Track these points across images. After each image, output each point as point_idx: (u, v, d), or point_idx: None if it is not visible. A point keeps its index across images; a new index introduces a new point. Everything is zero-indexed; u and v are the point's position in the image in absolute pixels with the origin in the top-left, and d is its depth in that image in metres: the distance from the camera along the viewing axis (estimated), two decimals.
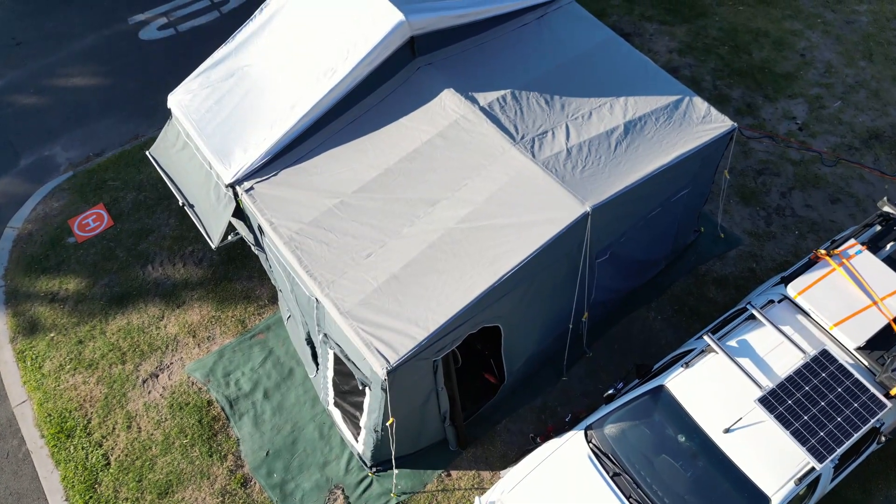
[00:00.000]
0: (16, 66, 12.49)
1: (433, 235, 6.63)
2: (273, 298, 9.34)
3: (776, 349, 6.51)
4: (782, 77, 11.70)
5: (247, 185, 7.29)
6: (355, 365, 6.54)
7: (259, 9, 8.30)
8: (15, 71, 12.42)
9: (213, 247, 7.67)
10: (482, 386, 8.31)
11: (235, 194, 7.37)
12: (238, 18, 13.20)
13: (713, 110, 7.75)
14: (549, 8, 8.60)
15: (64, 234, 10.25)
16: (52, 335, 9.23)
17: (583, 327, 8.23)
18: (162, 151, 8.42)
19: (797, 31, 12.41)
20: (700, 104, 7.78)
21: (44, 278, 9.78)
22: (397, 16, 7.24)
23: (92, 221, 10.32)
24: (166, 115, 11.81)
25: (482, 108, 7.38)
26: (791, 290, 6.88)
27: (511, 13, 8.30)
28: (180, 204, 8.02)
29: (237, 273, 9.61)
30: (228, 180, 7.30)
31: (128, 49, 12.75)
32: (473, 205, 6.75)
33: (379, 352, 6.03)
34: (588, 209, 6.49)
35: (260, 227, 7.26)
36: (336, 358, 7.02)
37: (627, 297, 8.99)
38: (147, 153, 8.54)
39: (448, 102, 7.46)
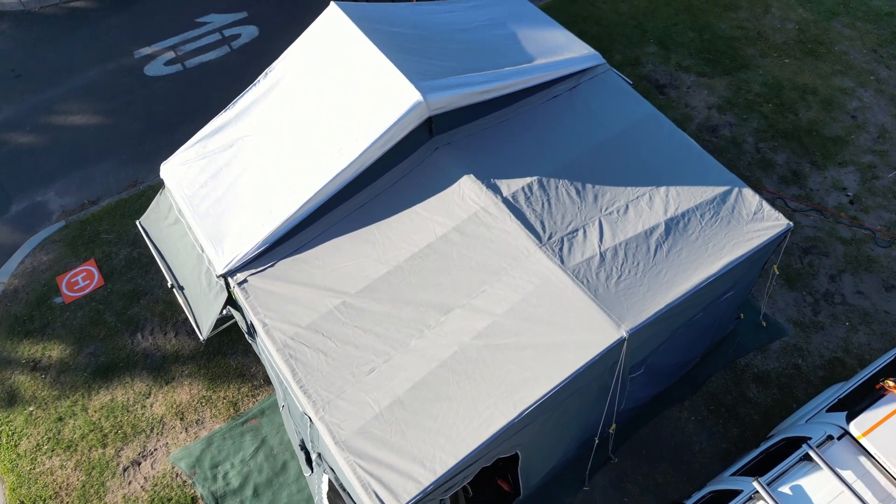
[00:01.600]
0: (14, 101, 11.86)
1: (445, 352, 5.83)
2: (268, 379, 8.59)
3: (837, 501, 5.65)
4: (831, 141, 10.77)
5: (240, 276, 6.53)
6: (350, 497, 5.75)
7: (264, 73, 7.56)
8: (13, 106, 11.79)
9: (201, 339, 6.92)
10: (494, 493, 7.49)
11: (227, 284, 6.63)
12: (248, 54, 12.51)
13: (765, 205, 6.88)
14: (582, 77, 7.78)
15: (51, 293, 9.57)
16: (31, 409, 8.54)
17: (609, 436, 7.39)
18: (153, 223, 7.70)
19: (848, 89, 11.47)
20: (751, 197, 6.92)
21: (27, 343, 9.10)
22: (414, 95, 6.46)
23: (81, 279, 9.64)
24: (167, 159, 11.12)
25: (505, 200, 6.57)
26: (855, 428, 6.00)
27: (539, 85, 7.49)
28: (169, 285, 7.28)
29: (232, 347, 8.86)
30: (220, 271, 6.55)
31: (131, 85, 12.09)
32: (492, 317, 5.94)
33: (377, 495, 5.24)
34: (625, 334, 5.66)
35: (253, 324, 6.51)
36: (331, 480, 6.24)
37: (658, 395, 8.13)
38: (137, 223, 7.82)
39: (467, 191, 6.66)
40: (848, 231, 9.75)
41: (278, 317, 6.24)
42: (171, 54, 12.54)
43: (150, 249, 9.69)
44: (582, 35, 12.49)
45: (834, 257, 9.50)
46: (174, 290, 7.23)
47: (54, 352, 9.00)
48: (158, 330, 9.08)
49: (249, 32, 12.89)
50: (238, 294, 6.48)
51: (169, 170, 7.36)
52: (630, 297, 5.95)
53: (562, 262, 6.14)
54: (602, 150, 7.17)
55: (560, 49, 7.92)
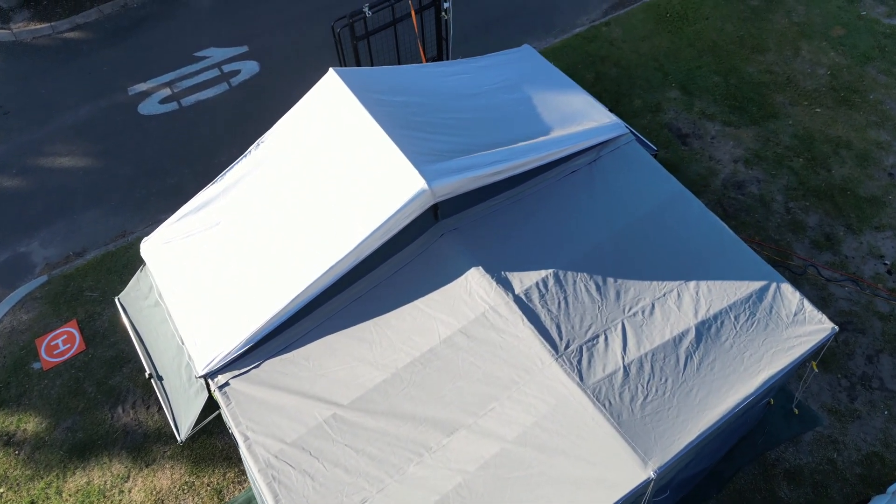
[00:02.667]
0: (1, 140, 11.29)
1: (446, 483, 5.17)
2: None
3: None
4: (867, 202, 10.04)
5: (221, 379, 5.88)
6: None
7: (256, 143, 6.93)
8: (0, 146, 11.25)
9: (179, 441, 6.29)
10: None
11: (208, 385, 5.99)
12: (248, 92, 11.90)
13: (807, 304, 6.18)
14: (602, 149, 7.10)
15: (30, 358, 8.97)
16: (1, 490, 7.94)
17: None
18: (132, 301, 7.07)
19: (884, 143, 10.73)
20: (791, 295, 6.22)
21: (1, 414, 8.49)
22: (419, 182, 5.80)
23: (62, 343, 9.03)
24: (157, 209, 10.53)
25: (517, 298, 5.90)
26: None
27: (557, 159, 6.81)
28: (147, 375, 6.65)
29: (218, 424, 8.21)
30: (200, 371, 5.91)
31: (124, 125, 11.50)
32: (501, 442, 5.26)
33: None
34: (652, 475, 4.97)
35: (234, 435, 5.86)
36: None
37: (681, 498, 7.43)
38: (116, 300, 7.19)
39: (475, 286, 5.99)
40: (886, 305, 9.02)
41: (262, 430, 5.59)
42: (166, 91, 11.94)
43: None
44: (600, 77, 11.82)
45: (871, 335, 8.78)
46: (152, 380, 6.60)
47: (30, 425, 8.39)
48: (140, 403, 8.45)
49: (250, 68, 12.28)
50: (219, 398, 5.83)
51: (149, 249, 6.73)
52: (658, 423, 5.27)
53: (581, 378, 5.47)
54: (625, 236, 6.49)
55: (579, 116, 7.24)
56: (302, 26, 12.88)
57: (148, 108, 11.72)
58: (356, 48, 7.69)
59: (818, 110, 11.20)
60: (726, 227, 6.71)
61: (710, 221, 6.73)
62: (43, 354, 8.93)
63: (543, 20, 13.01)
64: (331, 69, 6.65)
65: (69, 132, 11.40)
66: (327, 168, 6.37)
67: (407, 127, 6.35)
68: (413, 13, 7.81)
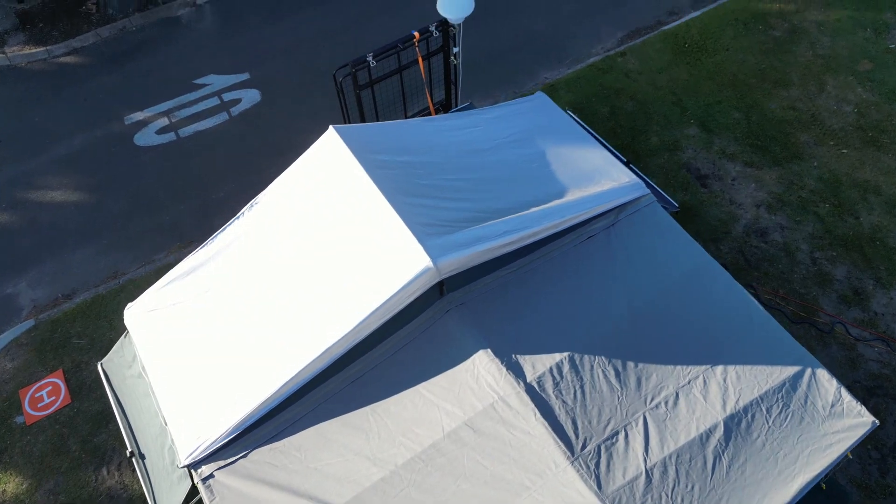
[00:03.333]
0: None
1: None
2: None
3: None
4: None
5: (206, 470, 5.42)
6: None
7: (249, 204, 6.46)
8: None
9: None
10: None
11: (192, 475, 5.52)
12: (249, 122, 11.44)
13: (844, 393, 5.67)
14: (621, 212, 6.60)
15: (13, 410, 8.53)
16: None
17: None
18: (116, 369, 6.62)
19: None
20: (827, 383, 5.71)
21: None
22: (423, 260, 5.32)
23: (46, 395, 8.59)
24: (152, 247, 10.09)
25: (529, 387, 5.41)
26: None
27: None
28: (128, 453, 6.19)
29: None
30: (183, 461, 5.44)
31: (119, 156, 11.06)
32: None
33: None
34: None
35: None
36: None
37: None
38: (99, 366, 6.74)
39: (483, 372, 5.50)
40: None
41: None
42: (164, 121, 11.50)
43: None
44: (615, 112, 11.30)
45: None
46: (133, 458, 6.14)
47: (10, 485, 7.95)
48: (126, 465, 7.99)
49: (251, 97, 11.83)
50: (202, 492, 5.37)
51: (133, 317, 6.28)
52: None
53: (599, 485, 4.97)
54: (646, 313, 5.99)
55: (596, 174, 6.75)
56: (305, 52, 12.43)
57: (144, 138, 11.28)
58: (359, 98, 7.22)
59: (844, 151, 10.66)
60: (755, 301, 6.20)
61: (739, 295, 6.22)
62: (27, 408, 8.49)
63: (556, 49, 12.51)
64: (331, 127, 6.17)
65: (62, 163, 10.97)
66: (325, 236, 5.90)
67: (411, 193, 5.87)
68: (420, 60, 7.34)
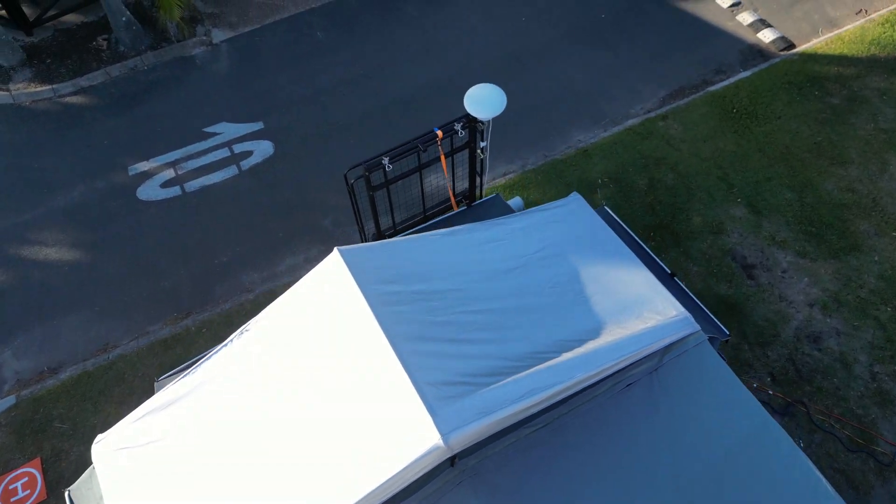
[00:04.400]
0: None
1: None
2: None
3: None
4: None
5: None
6: None
7: (240, 330, 5.67)
8: None
9: None
10: None
11: None
12: (259, 179, 10.71)
13: None
14: (666, 353, 5.71)
15: None
16: None
17: None
18: (83, 500, 5.86)
19: None
20: None
21: None
22: (432, 436, 4.48)
23: (21, 488, 7.90)
24: (146, 317, 9.38)
25: None
26: None
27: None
28: None
29: None
30: None
31: (120, 211, 10.38)
32: None
33: None
34: None
35: None
36: None
37: None
38: (66, 494, 6.00)
39: None
40: None
41: None
42: (169, 173, 10.80)
43: None
44: (654, 185, 10.38)
45: None
46: None
47: None
48: None
49: (263, 150, 11.09)
50: None
51: (102, 454, 5.52)
52: None
53: None
54: (696, 488, 5.09)
55: (638, 305, 5.86)
56: (324, 101, 11.67)
57: (147, 192, 10.59)
58: (373, 199, 6.43)
59: None
60: (822, 478, 5.27)
61: (802, 467, 5.29)
62: None
63: (591, 107, 11.62)
64: (336, 250, 5.36)
65: (59, 216, 10.32)
66: (324, 382, 5.09)
67: (424, 337, 5.04)
68: (443, 157, 6.52)
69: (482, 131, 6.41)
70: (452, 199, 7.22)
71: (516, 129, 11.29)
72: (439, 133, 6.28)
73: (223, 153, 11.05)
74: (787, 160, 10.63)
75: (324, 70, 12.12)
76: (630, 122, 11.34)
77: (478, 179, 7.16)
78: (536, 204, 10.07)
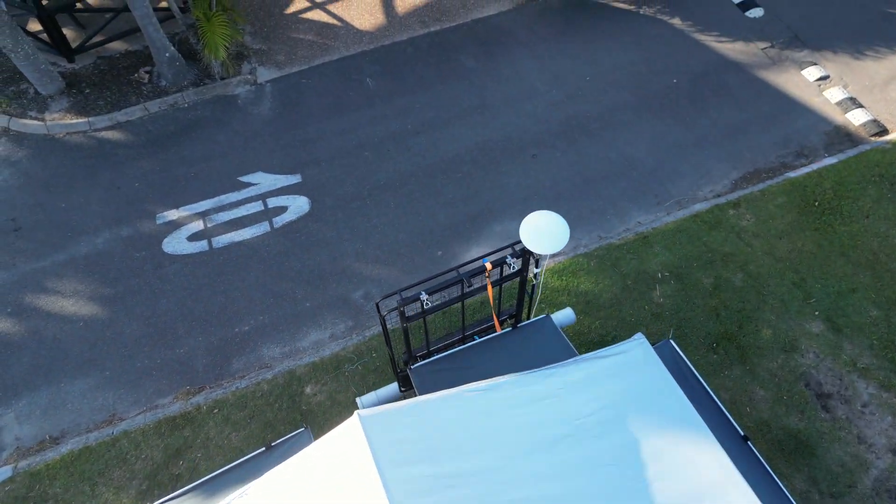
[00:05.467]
0: (3, 266, 9.77)
1: None
2: None
3: None
4: None
5: None
6: None
7: (240, 492, 4.90)
8: (0, 273, 9.72)
9: None
10: None
11: None
12: (291, 240, 10.02)
13: None
14: None
15: None
16: None
17: None
18: None
19: None
20: None
21: None
22: None
23: None
24: (156, 389, 8.76)
25: None
26: None
27: None
28: None
29: None
30: None
31: (143, 265, 9.80)
32: None
33: None
34: None
35: None
36: None
37: None
38: None
39: None
40: None
41: None
42: (198, 224, 10.19)
43: None
44: (720, 285, 9.34)
45: None
46: None
47: None
48: None
49: (298, 206, 10.40)
50: None
51: None
52: None
53: None
54: None
55: (709, 498, 4.92)
56: (367, 157, 10.93)
57: (174, 244, 10.00)
58: (406, 330, 5.63)
59: None
60: None
61: None
62: None
63: (656, 185, 10.63)
64: (356, 416, 4.55)
65: (80, 265, 9.79)
66: None
67: None
68: (490, 289, 5.68)
69: (537, 260, 5.55)
70: (496, 321, 6.37)
71: (570, 203, 10.38)
72: (488, 266, 5.44)
73: (256, 206, 10.40)
74: (875, 269, 9.48)
75: (370, 121, 11.39)
76: (697, 207, 10.32)
77: (527, 301, 6.30)
78: (587, 297, 9.15)
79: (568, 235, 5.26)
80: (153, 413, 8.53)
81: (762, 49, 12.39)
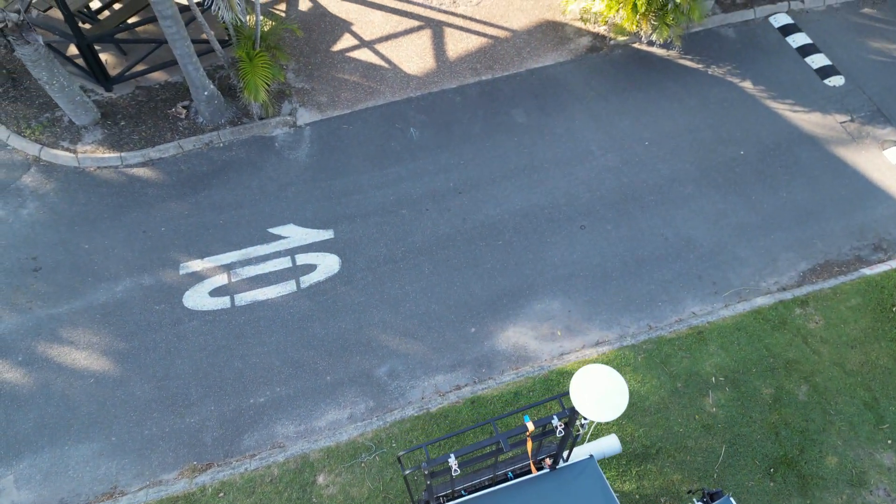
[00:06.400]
0: (20, 309, 9.40)
1: None
2: None
3: None
4: None
5: None
6: None
7: None
8: (15, 317, 9.32)
9: None
10: None
11: None
12: (318, 303, 9.42)
13: None
14: None
15: None
16: None
17: None
18: None
19: None
20: None
21: None
22: None
23: None
24: (161, 462, 8.24)
25: None
26: None
27: None
28: None
29: None
30: None
31: (161, 319, 9.30)
32: None
33: None
34: None
35: None
36: None
37: None
38: None
39: None
40: None
41: None
42: (222, 278, 9.67)
43: None
44: (780, 398, 8.45)
45: None
46: None
47: None
48: None
49: (328, 266, 9.80)
50: None
51: None
52: None
53: None
54: None
55: None
56: (404, 215, 10.28)
57: (195, 299, 9.49)
58: (431, 487, 4.92)
59: None
60: None
61: None
62: None
63: (713, 271, 9.74)
64: None
65: (97, 314, 9.34)
66: None
67: None
68: (529, 445, 4.94)
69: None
70: (532, 465, 5.63)
71: (619, 284, 9.57)
72: (530, 427, 4.71)
73: (284, 262, 9.83)
74: None
75: (411, 176, 10.74)
76: (759, 302, 9.40)
77: (569, 444, 5.55)
78: (631, 398, 8.27)
79: (626, 403, 4.50)
80: (156, 490, 8.00)
81: (841, 122, 11.36)
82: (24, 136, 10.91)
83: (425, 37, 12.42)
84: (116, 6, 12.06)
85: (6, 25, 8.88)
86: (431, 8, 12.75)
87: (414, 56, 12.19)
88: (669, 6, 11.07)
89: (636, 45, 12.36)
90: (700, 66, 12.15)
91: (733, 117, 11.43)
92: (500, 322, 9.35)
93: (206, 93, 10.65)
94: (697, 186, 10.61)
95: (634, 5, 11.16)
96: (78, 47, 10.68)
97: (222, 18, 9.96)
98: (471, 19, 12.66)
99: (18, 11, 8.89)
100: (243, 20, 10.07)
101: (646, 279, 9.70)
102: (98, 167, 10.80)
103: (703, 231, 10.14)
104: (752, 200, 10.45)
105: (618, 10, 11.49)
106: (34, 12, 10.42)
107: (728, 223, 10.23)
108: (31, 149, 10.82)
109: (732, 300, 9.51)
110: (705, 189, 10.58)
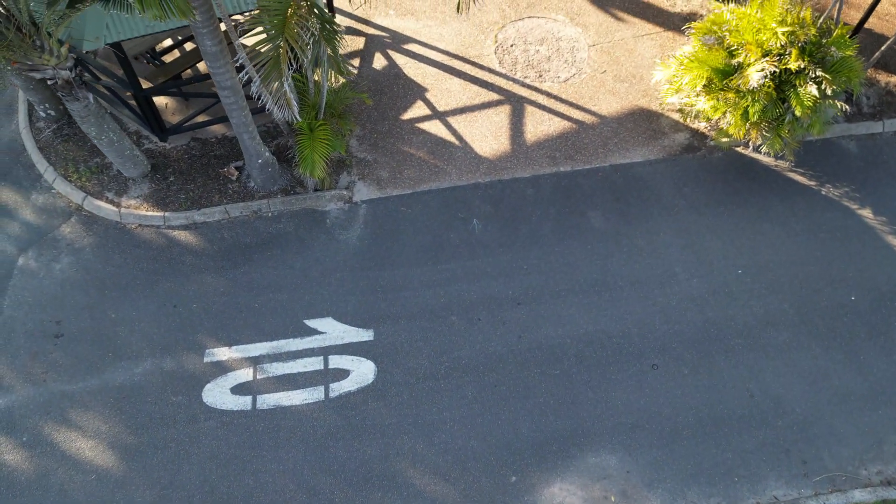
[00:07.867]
0: (33, 381, 8.80)
1: None
2: None
3: None
4: None
5: None
6: None
7: None
8: (28, 389, 8.73)
9: None
10: None
11: None
12: (346, 416, 8.49)
13: None
14: None
15: None
16: None
17: None
18: None
19: None
20: None
21: None
22: None
23: None
24: None
25: None
26: None
27: None
28: None
29: None
30: None
31: (177, 413, 8.54)
32: None
33: None
34: None
35: None
36: None
37: None
38: None
39: None
40: None
41: None
42: (247, 373, 8.84)
43: None
44: None
45: None
46: None
47: None
48: None
49: (362, 374, 8.85)
50: None
51: None
52: None
53: None
54: None
55: None
56: (453, 322, 9.21)
57: (215, 394, 8.69)
58: None
59: None
60: None
61: None
62: None
63: (806, 445, 8.27)
64: None
65: (111, 397, 8.66)
66: None
67: None
68: None
69: None
70: None
71: (689, 448, 8.25)
72: None
73: (316, 363, 8.92)
74: None
75: (466, 276, 9.65)
76: (858, 497, 7.91)
77: None
78: None
79: None
80: None
81: None
82: (71, 181, 10.39)
83: (503, 113, 11.30)
84: (186, 46, 11.45)
85: (56, 83, 8.28)
86: (514, 80, 11.61)
87: (488, 135, 11.09)
88: (787, 118, 9.61)
89: (740, 150, 10.91)
90: (813, 182, 10.58)
91: (847, 252, 9.85)
92: (546, 473, 8.17)
93: (259, 160, 9.87)
94: (795, 334, 9.13)
95: (745, 112, 9.72)
96: (135, 98, 10.07)
97: (275, 117, 9.09)
98: (556, 98, 11.45)
99: (70, 69, 8.28)
100: (298, 118, 9.21)
101: (723, 445, 8.33)
102: (140, 225, 10.16)
103: (796, 392, 8.68)
104: (860, 361, 8.91)
105: (724, 115, 10.07)
106: (93, 56, 9.86)
107: (828, 386, 8.73)
108: (76, 196, 10.29)
109: (824, 488, 8.05)
110: (804, 339, 9.09)
